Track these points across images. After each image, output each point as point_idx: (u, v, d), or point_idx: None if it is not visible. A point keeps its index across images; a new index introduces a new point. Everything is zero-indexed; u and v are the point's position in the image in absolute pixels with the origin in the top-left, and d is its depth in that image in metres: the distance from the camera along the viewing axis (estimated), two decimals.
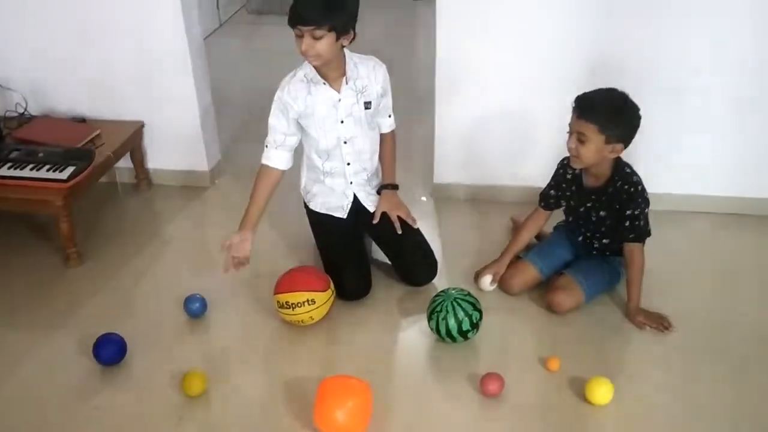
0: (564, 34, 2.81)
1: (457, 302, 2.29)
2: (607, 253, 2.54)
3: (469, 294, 2.35)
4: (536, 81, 2.91)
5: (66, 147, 2.83)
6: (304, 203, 2.71)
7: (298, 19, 2.21)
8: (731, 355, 2.32)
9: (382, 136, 2.62)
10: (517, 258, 2.62)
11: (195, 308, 2.49)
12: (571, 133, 2.32)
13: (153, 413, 2.14)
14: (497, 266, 2.58)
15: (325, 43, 2.23)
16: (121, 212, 3.22)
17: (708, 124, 2.90)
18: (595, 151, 2.28)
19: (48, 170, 2.69)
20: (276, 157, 2.48)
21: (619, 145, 2.29)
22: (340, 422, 1.99)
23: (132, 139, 3.13)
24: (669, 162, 2.95)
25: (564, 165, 2.52)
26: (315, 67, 2.35)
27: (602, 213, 2.44)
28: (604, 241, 2.51)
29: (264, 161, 2.49)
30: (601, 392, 2.11)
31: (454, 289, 2.37)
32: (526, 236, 2.62)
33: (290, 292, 2.36)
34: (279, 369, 2.30)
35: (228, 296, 2.60)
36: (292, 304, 2.35)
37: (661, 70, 2.81)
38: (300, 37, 2.24)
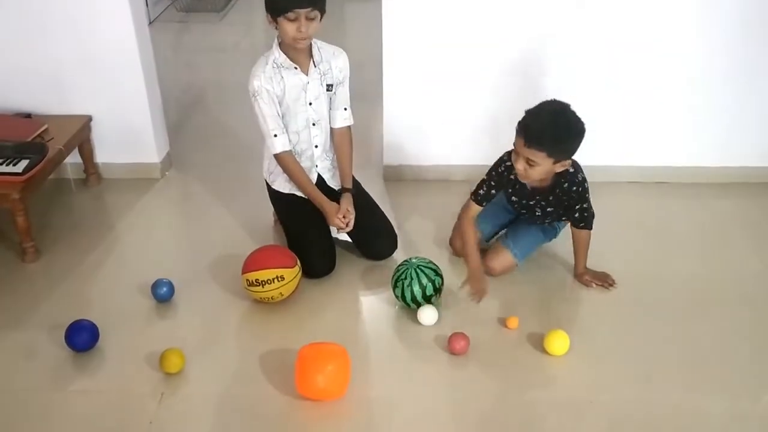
0: (506, 19, 2.96)
1: (420, 269, 2.42)
2: (547, 221, 2.67)
3: (430, 261, 2.48)
4: (479, 65, 3.06)
5: (16, 141, 2.80)
6: (267, 185, 2.78)
7: (296, 3, 2.32)
8: (666, 304, 2.54)
9: (338, 131, 2.68)
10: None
11: (163, 292, 2.52)
12: (518, 154, 2.30)
13: (135, 392, 2.17)
14: (477, 283, 2.47)
15: (315, 25, 2.39)
16: (73, 207, 3.19)
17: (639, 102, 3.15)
18: (545, 171, 2.32)
19: (1, 164, 2.66)
20: (286, 140, 2.57)
21: (568, 161, 2.32)
22: (322, 386, 2.09)
23: (80, 133, 3.10)
24: (597, 137, 3.15)
25: (507, 167, 2.44)
26: (296, 50, 2.46)
27: (549, 209, 2.55)
28: (547, 220, 2.65)
29: (282, 149, 2.56)
30: (559, 344, 2.29)
31: (415, 257, 2.50)
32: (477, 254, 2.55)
33: (259, 269, 2.42)
34: (254, 344, 2.36)
35: (192, 281, 2.64)
36: (262, 281, 2.42)
37: (599, 56, 3.02)
38: (293, 21, 2.35)
